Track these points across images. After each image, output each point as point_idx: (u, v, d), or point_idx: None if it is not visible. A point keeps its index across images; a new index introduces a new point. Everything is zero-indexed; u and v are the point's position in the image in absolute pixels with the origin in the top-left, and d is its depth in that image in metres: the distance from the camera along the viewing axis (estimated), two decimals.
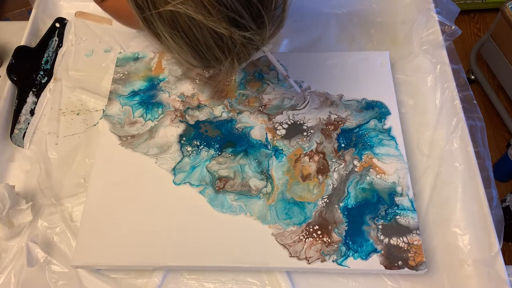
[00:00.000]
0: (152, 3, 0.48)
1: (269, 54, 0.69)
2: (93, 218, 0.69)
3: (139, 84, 0.82)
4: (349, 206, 0.68)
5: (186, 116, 0.78)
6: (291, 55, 0.85)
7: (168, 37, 0.50)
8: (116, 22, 0.92)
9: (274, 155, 0.73)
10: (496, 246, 0.63)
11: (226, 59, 0.52)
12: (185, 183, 0.71)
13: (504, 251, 0.63)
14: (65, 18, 0.94)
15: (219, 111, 0.78)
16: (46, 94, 0.85)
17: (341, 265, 0.63)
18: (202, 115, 0.78)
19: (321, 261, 0.63)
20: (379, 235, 0.65)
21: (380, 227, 0.66)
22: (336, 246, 0.64)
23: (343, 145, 0.73)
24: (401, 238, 0.65)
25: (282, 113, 0.77)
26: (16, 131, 0.80)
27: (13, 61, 0.83)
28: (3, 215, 0.67)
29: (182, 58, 0.53)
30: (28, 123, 0.81)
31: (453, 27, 0.82)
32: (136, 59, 0.85)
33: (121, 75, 0.83)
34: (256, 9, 0.49)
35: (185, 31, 0.48)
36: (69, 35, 0.92)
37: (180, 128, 0.76)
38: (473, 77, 1.74)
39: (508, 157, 1.40)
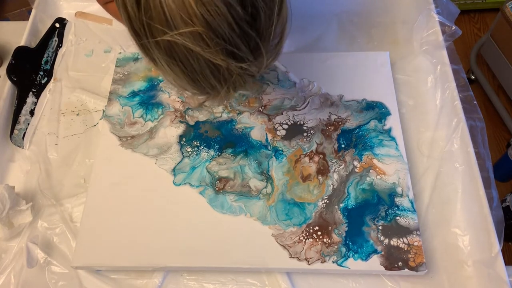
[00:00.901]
0: (149, 32, 0.47)
1: None
2: (93, 219, 0.69)
3: (139, 85, 0.82)
4: (349, 207, 0.67)
5: (186, 116, 0.78)
6: (291, 55, 0.85)
7: (164, 64, 0.50)
8: (116, 22, 0.92)
9: (274, 155, 0.73)
10: (496, 246, 0.63)
11: (222, 88, 0.52)
12: (185, 183, 0.71)
13: (504, 251, 0.63)
14: (64, 19, 0.94)
15: (219, 112, 0.78)
16: (46, 94, 0.85)
17: (341, 266, 0.63)
18: (202, 116, 0.78)
19: (321, 262, 0.63)
20: (379, 236, 0.65)
21: (380, 228, 0.66)
22: (336, 247, 0.64)
23: (343, 145, 0.73)
24: (401, 239, 0.65)
25: (282, 114, 0.77)
26: (16, 131, 0.80)
27: (13, 61, 0.83)
28: (3, 216, 0.67)
29: (177, 84, 0.53)
30: (28, 124, 0.81)
31: (453, 28, 0.82)
32: (136, 59, 0.85)
33: (121, 75, 0.83)
34: (254, 42, 0.48)
35: (182, 60, 0.48)
36: (69, 35, 0.92)
37: (180, 129, 0.76)
38: (473, 77, 1.74)
39: (508, 157, 1.39)
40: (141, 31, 0.48)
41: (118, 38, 0.91)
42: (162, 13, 0.45)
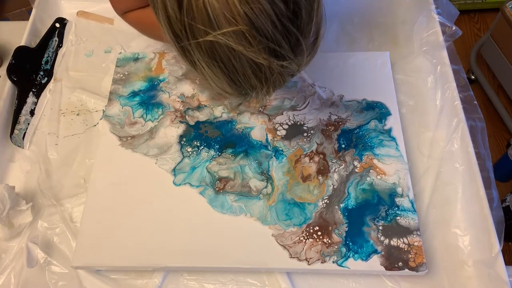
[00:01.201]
0: (191, 33, 0.47)
1: None
2: (93, 219, 0.69)
3: (139, 85, 0.82)
4: (350, 207, 0.67)
5: (186, 116, 0.78)
6: None
7: (204, 66, 0.49)
8: (118, 22, 0.92)
9: (274, 155, 0.73)
10: (496, 247, 0.63)
11: (263, 88, 0.52)
12: (185, 183, 0.71)
13: (504, 251, 0.63)
14: (65, 18, 0.94)
15: (219, 112, 0.78)
16: (46, 94, 0.85)
17: (342, 266, 0.63)
18: (202, 116, 0.78)
19: (321, 262, 0.63)
20: (379, 236, 0.65)
21: (380, 228, 0.66)
22: (336, 247, 0.64)
23: (343, 145, 0.73)
24: (401, 239, 0.65)
25: (283, 114, 0.77)
26: (16, 131, 0.80)
27: (13, 61, 0.83)
28: (3, 216, 0.67)
29: (217, 85, 0.52)
30: (28, 124, 0.81)
31: (454, 28, 0.82)
32: (136, 59, 0.85)
33: (121, 75, 0.83)
34: (295, 39, 0.48)
35: (224, 61, 0.48)
36: (69, 35, 0.92)
37: (180, 129, 0.76)
38: (473, 77, 1.74)
39: (508, 157, 1.39)
40: (182, 33, 0.47)
41: (119, 38, 0.91)
42: (205, 13, 0.44)
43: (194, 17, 0.45)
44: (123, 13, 0.77)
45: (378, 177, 0.70)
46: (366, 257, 0.64)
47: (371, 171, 0.70)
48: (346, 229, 0.66)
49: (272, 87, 0.53)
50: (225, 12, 0.44)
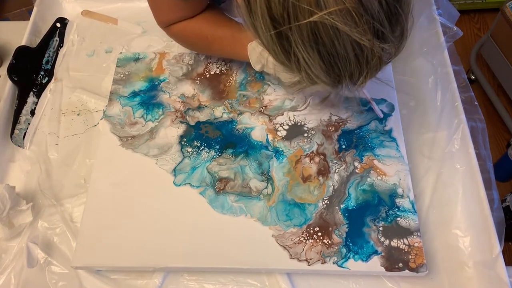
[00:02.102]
0: (294, 15, 0.45)
1: None
2: (93, 219, 0.69)
3: (139, 85, 0.82)
4: (350, 208, 0.67)
5: (187, 117, 0.78)
6: None
7: (303, 51, 0.48)
8: (121, 22, 0.92)
9: (274, 156, 0.73)
10: (497, 248, 0.63)
11: (361, 74, 0.50)
12: (185, 184, 0.71)
13: (504, 251, 0.63)
14: (65, 18, 0.94)
15: (220, 112, 0.78)
16: (47, 94, 0.85)
17: (342, 267, 0.63)
18: (202, 116, 0.77)
19: (322, 263, 0.63)
20: (379, 236, 0.65)
21: (380, 228, 0.66)
22: (336, 247, 0.64)
23: (343, 146, 0.73)
24: (401, 240, 0.65)
25: (283, 114, 0.77)
26: (16, 131, 0.80)
27: (14, 61, 0.83)
28: (3, 216, 0.67)
29: (312, 73, 0.51)
30: (29, 124, 0.81)
31: (455, 29, 0.82)
32: (136, 59, 0.85)
33: (122, 75, 0.83)
34: (396, 19, 0.47)
35: (325, 43, 0.46)
36: (70, 35, 0.92)
37: (180, 129, 0.76)
38: (473, 77, 1.74)
39: (508, 157, 1.39)
40: (283, 16, 0.46)
41: (120, 38, 0.91)
42: None
43: None
44: (167, 26, 0.76)
45: (379, 177, 0.70)
46: (366, 258, 0.64)
47: (371, 171, 0.70)
48: (347, 229, 0.66)
49: (370, 73, 0.51)
50: None
